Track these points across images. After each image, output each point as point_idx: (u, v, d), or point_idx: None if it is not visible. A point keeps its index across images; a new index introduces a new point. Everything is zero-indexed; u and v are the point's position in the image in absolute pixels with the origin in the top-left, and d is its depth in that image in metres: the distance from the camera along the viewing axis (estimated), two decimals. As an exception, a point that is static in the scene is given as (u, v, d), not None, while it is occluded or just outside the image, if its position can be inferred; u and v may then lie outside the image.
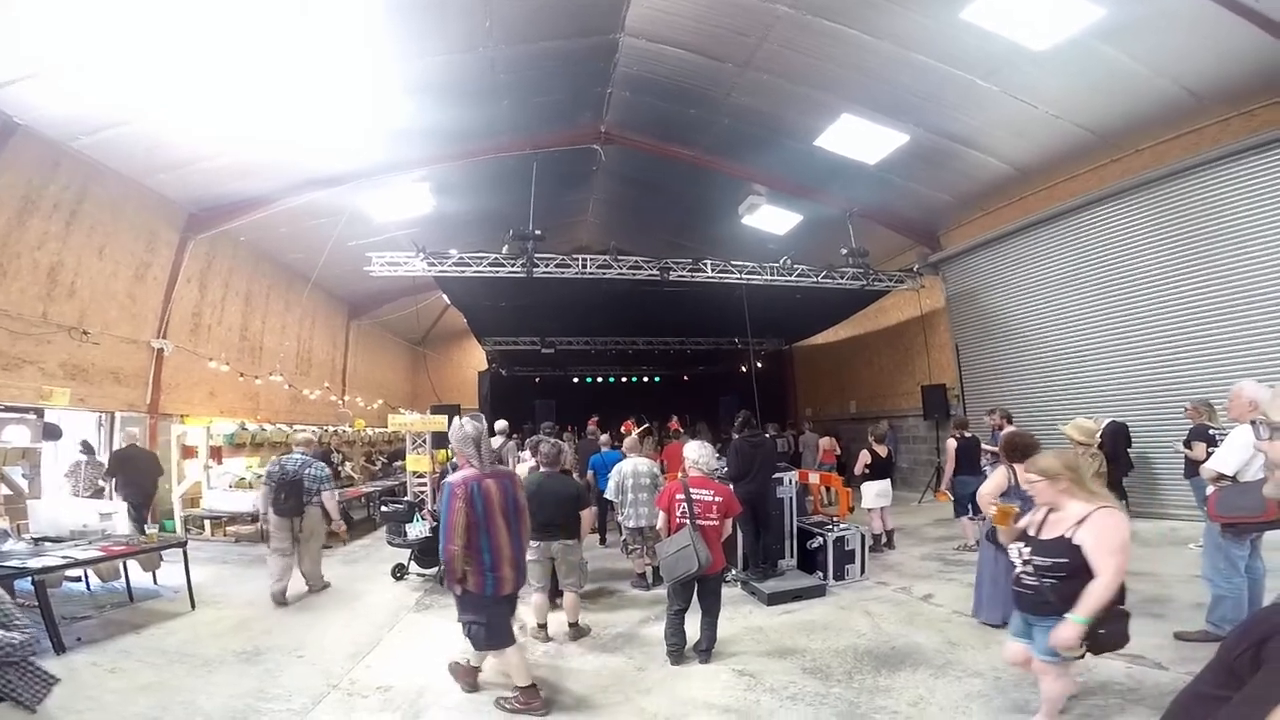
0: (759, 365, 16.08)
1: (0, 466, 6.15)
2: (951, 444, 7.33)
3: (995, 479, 4.72)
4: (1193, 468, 5.57)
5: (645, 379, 18.83)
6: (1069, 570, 2.75)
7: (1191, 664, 3.58)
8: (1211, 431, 5.43)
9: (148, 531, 6.17)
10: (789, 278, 10.14)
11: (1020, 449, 4.77)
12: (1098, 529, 2.76)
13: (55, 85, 6.18)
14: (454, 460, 6.54)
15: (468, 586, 3.45)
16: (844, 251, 10.36)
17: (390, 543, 6.87)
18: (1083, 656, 2.81)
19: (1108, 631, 2.72)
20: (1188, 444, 5.85)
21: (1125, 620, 2.77)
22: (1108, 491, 2.99)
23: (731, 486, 5.30)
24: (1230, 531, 3.92)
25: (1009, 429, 6.70)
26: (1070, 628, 2.68)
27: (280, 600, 5.61)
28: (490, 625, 3.52)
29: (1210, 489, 4.05)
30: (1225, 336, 7.35)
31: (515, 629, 3.88)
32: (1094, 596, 2.67)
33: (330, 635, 4.90)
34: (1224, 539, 3.95)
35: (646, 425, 12.74)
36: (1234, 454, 3.90)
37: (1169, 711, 1.12)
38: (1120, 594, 2.75)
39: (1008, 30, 6.57)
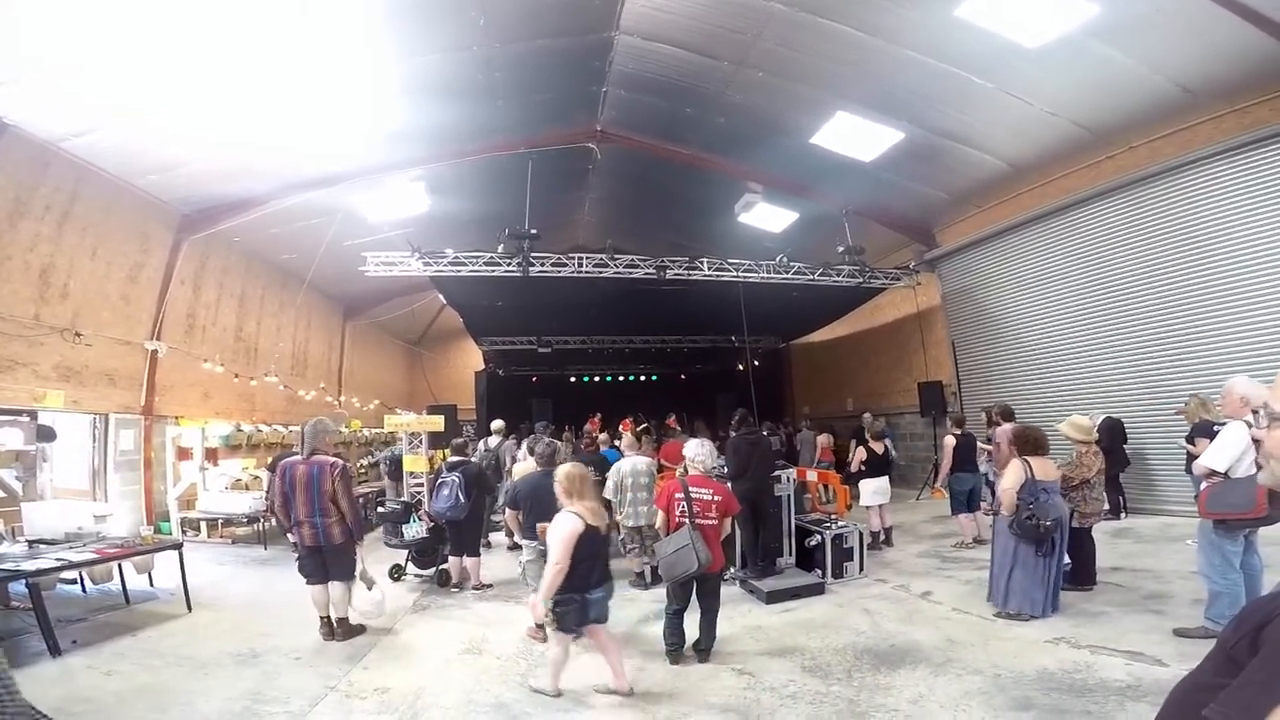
0: (756, 363, 16.08)
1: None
2: (950, 441, 7.34)
3: (1013, 472, 4.73)
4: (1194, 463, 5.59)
5: (643, 378, 18.79)
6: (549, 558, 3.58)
7: (1191, 660, 3.56)
8: (1215, 427, 5.44)
9: (142, 532, 6.13)
10: (785, 276, 10.14)
11: (1032, 442, 4.82)
12: (550, 527, 3.64)
13: (44, 85, 6.09)
14: (449, 460, 6.57)
15: (290, 537, 4.99)
16: (840, 249, 10.36)
17: (387, 543, 6.85)
18: (556, 628, 3.60)
19: (554, 614, 3.52)
20: (1191, 440, 5.86)
21: (572, 607, 3.51)
22: (593, 502, 3.74)
23: (730, 485, 5.30)
24: (1222, 528, 3.95)
25: (1007, 425, 6.71)
26: (537, 604, 3.56)
27: None
28: (301, 566, 4.87)
29: (1203, 485, 4.07)
30: (1219, 332, 7.37)
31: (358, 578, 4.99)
32: (543, 580, 3.55)
33: (328, 637, 4.86)
34: (1216, 535, 3.97)
35: (645, 425, 12.73)
36: (1226, 450, 3.90)
37: (1168, 701, 1.12)
38: (576, 583, 3.51)
39: (1002, 28, 6.56)
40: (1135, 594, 5.07)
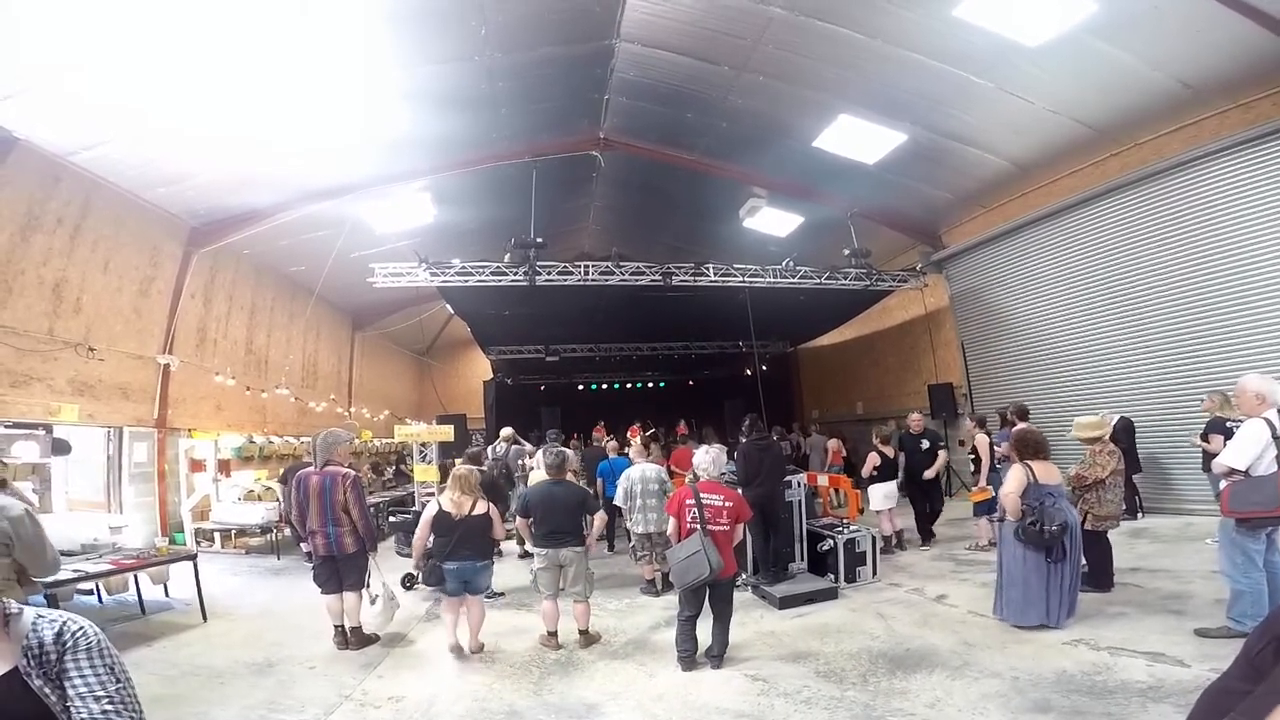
0: (764, 368, 16.02)
1: (11, 482, 6.16)
2: (985, 440, 7.22)
3: (1015, 478, 4.66)
4: (1210, 461, 5.51)
5: (650, 384, 18.78)
6: None
7: (1214, 661, 3.54)
8: (1229, 424, 5.37)
9: (157, 543, 6.18)
10: (792, 280, 10.11)
11: (1033, 446, 4.74)
12: None
13: (53, 99, 6.15)
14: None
15: (303, 547, 5.27)
16: (846, 252, 10.35)
17: (399, 553, 6.87)
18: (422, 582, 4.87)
19: (421, 571, 4.71)
20: (1204, 437, 5.79)
21: (428, 567, 4.53)
22: (458, 495, 4.61)
23: (741, 491, 5.28)
24: (1244, 526, 3.88)
25: (1018, 426, 6.64)
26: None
27: None
28: (316, 575, 4.94)
29: (1223, 484, 4.02)
30: (1230, 328, 7.30)
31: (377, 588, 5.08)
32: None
33: (341, 646, 4.88)
34: (1238, 534, 3.91)
35: (652, 431, 12.73)
36: (1246, 448, 3.85)
37: (1198, 704, 1.11)
38: (435, 552, 4.53)
39: (1001, 27, 6.56)
40: (1154, 594, 5.00)
